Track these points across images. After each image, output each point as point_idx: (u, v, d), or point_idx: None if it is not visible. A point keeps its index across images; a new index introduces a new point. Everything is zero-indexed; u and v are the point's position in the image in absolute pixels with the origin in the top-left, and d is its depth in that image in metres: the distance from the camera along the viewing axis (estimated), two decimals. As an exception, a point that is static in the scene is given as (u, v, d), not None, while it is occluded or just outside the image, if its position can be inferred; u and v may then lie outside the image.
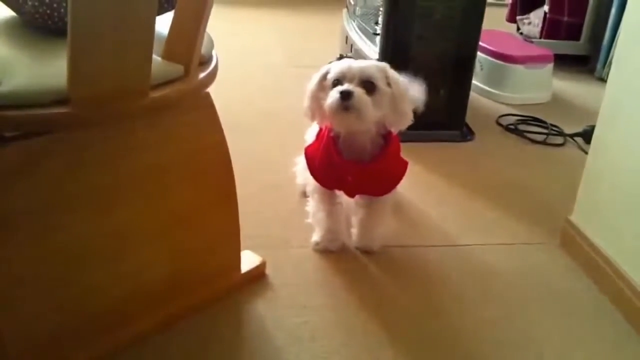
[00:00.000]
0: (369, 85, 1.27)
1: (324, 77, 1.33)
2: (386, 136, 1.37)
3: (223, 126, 1.15)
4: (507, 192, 1.81)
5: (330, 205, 1.46)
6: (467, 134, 2.15)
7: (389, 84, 1.30)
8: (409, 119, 1.32)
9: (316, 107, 1.33)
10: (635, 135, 1.30)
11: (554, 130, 2.24)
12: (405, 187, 1.68)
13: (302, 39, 3.20)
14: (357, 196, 1.48)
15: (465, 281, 1.39)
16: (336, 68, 1.30)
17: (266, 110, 2.28)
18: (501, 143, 2.15)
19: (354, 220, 1.50)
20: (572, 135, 2.19)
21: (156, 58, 0.99)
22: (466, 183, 1.84)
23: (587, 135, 2.10)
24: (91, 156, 0.97)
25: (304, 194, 1.63)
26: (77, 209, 0.97)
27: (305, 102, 1.35)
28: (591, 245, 1.43)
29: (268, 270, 1.36)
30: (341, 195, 1.48)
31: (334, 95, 1.25)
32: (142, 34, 0.88)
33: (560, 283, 1.41)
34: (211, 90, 1.11)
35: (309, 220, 1.51)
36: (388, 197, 1.46)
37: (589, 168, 1.48)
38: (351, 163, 1.36)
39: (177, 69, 1.00)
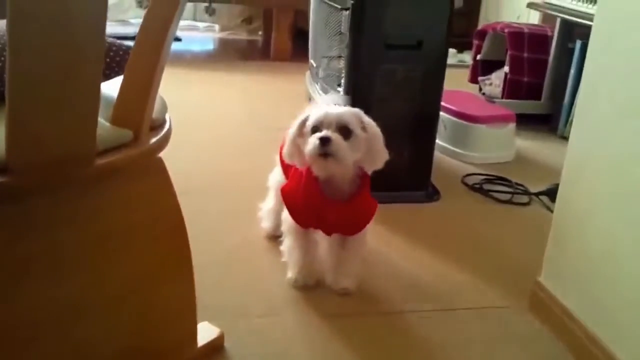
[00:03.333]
0: (345, 130, 1.35)
1: (303, 123, 1.40)
2: (362, 177, 1.44)
3: (180, 190, 1.10)
4: (474, 253, 1.78)
5: (305, 242, 1.50)
6: (432, 195, 2.13)
7: (363, 128, 1.38)
8: (383, 160, 1.40)
9: (295, 151, 1.41)
10: (599, 193, 1.29)
11: (519, 189, 2.23)
12: (370, 249, 1.65)
13: (265, 101, 3.20)
14: (332, 235, 1.52)
15: (433, 350, 1.34)
16: (314, 115, 1.38)
17: (227, 172, 2.24)
18: (467, 203, 2.14)
19: (328, 262, 1.53)
20: (537, 194, 2.19)
21: (104, 123, 0.95)
22: (432, 245, 1.80)
23: (552, 194, 2.09)
24: (34, 227, 0.91)
25: (272, 237, 1.70)
26: (19, 282, 0.91)
27: (286, 146, 1.43)
28: (561, 307, 1.39)
29: (227, 343, 1.28)
30: (315, 233, 1.52)
31: (313, 141, 1.33)
32: (87, 98, 0.85)
33: (532, 348, 1.36)
34: (168, 152, 1.06)
35: (284, 259, 1.53)
36: (362, 235, 1.51)
37: (555, 228, 1.45)
38: (332, 202, 1.42)
39: (126, 134, 0.96)
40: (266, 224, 1.73)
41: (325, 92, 2.36)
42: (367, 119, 1.41)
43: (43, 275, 0.93)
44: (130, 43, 1.02)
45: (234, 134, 2.67)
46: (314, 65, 2.66)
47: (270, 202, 1.72)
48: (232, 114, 2.96)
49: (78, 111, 0.84)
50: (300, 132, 1.40)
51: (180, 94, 3.00)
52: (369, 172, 1.43)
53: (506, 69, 3.09)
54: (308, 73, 2.83)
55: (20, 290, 0.91)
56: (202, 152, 2.42)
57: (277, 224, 1.61)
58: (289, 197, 1.48)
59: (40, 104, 0.80)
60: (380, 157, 1.40)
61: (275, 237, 1.66)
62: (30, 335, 0.93)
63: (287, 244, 1.52)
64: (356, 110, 1.41)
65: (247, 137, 2.63)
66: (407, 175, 2.08)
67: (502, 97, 3.12)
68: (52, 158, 0.85)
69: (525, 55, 3.07)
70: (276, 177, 1.66)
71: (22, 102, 0.79)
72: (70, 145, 0.86)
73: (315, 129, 1.36)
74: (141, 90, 0.95)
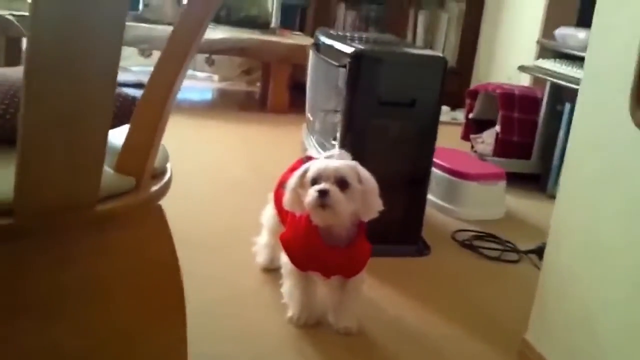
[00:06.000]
0: (342, 183, 1.44)
1: (304, 174, 1.49)
2: (358, 224, 1.53)
3: (177, 240, 1.13)
4: (462, 309, 1.79)
5: (305, 282, 1.58)
6: (422, 249, 2.16)
7: (359, 181, 1.46)
8: (378, 210, 1.49)
9: (296, 200, 1.49)
10: (581, 254, 1.32)
11: (508, 246, 2.26)
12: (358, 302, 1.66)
13: (262, 151, 3.25)
14: (332, 277, 1.58)
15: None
16: (314, 167, 1.47)
17: (223, 219, 2.26)
18: (457, 258, 2.16)
19: (329, 303, 1.60)
20: (526, 252, 2.22)
21: (108, 170, 0.98)
22: (421, 299, 1.82)
23: (541, 252, 2.11)
24: (29, 267, 0.93)
25: (269, 270, 1.82)
26: (12, 322, 0.92)
27: (287, 195, 1.51)
28: (547, 365, 1.40)
29: (216, 391, 1.29)
30: (314, 276, 1.59)
31: (312, 193, 1.42)
32: (95, 148, 0.88)
33: (518, 405, 1.37)
34: (167, 203, 1.09)
35: (284, 300, 1.60)
36: (361, 277, 1.59)
37: (541, 286, 1.48)
38: (331, 248, 1.51)
39: (129, 181, 0.99)
40: (260, 258, 1.85)
41: (321, 145, 2.41)
42: (363, 171, 1.49)
43: (33, 317, 0.95)
44: (132, 90, 1.06)
45: (231, 183, 2.71)
46: (311, 118, 2.72)
47: (264, 237, 1.83)
48: (229, 162, 3.00)
49: (86, 160, 0.87)
50: (301, 183, 1.49)
51: (178, 142, 3.04)
52: (365, 221, 1.52)
53: (497, 128, 3.17)
54: (304, 125, 2.89)
55: (10, 331, 0.92)
56: (199, 200, 2.44)
57: (272, 257, 1.77)
58: (289, 245, 1.56)
59: (50, 152, 0.83)
60: (375, 207, 1.48)
61: (270, 271, 1.80)
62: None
63: (287, 285, 1.59)
64: (353, 163, 1.51)
65: (243, 186, 2.66)
66: (399, 230, 2.11)
67: (493, 155, 3.19)
68: (57, 203, 0.88)
69: (516, 115, 3.14)
70: (269, 214, 1.78)
71: (33, 150, 0.82)
72: (75, 192, 0.89)
73: (315, 181, 1.45)
74: (146, 140, 0.99)
